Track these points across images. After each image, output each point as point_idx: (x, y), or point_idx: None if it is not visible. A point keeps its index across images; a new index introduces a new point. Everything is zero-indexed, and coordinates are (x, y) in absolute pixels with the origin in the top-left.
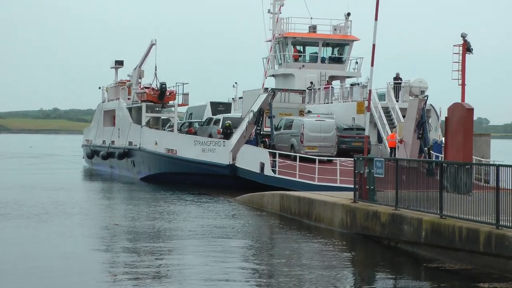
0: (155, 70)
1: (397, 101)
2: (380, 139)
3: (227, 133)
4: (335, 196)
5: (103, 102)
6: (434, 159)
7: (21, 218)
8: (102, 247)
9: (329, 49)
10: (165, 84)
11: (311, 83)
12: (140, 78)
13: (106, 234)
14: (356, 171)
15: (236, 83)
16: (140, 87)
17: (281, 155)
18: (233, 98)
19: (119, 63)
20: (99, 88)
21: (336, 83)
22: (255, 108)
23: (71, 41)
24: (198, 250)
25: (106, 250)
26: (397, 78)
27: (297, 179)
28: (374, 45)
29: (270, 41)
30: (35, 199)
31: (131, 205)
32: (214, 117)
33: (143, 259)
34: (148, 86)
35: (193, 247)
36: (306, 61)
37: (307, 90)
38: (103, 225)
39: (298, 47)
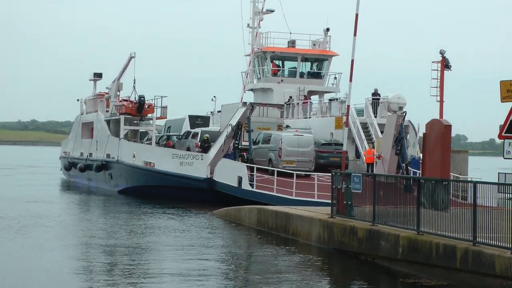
0: (134, 83)
1: (375, 116)
2: (358, 155)
3: (205, 147)
4: (312, 211)
5: (81, 114)
6: (411, 175)
7: None
8: (80, 261)
9: (308, 64)
10: (144, 97)
11: (290, 97)
12: (119, 91)
13: (84, 248)
14: (333, 186)
15: (214, 96)
16: (118, 99)
17: (259, 169)
18: (211, 112)
19: (98, 76)
20: (78, 100)
21: (314, 98)
22: (234, 122)
23: (48, 53)
24: (175, 264)
25: (84, 264)
26: (375, 94)
27: (274, 193)
28: (352, 61)
29: (249, 55)
30: (13, 212)
31: (109, 218)
32: (192, 130)
33: (120, 273)
34: (127, 98)
35: (170, 261)
36: (285, 75)
37: (285, 105)
38: (82, 239)
39: (277, 62)
